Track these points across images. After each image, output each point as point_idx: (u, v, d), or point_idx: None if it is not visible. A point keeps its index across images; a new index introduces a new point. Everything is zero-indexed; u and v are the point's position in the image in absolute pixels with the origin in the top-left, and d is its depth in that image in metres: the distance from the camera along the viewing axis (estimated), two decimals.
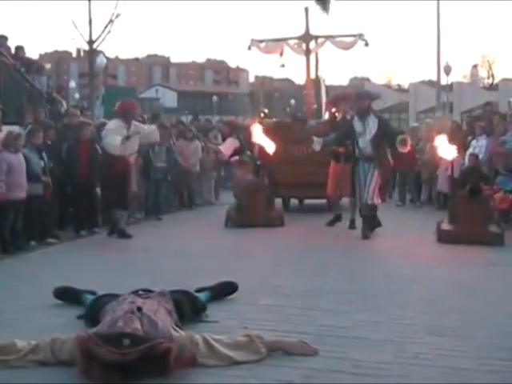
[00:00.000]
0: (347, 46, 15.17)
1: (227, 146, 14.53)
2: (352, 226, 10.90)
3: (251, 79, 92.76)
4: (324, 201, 13.78)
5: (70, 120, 11.88)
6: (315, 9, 15.96)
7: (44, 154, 9.79)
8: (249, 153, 14.40)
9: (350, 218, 11.03)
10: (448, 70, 33.78)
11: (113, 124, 10.50)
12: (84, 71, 61.08)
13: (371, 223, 10.22)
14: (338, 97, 12.79)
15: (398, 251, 8.75)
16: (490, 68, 65.86)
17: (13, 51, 14.03)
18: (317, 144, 10.64)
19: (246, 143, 14.81)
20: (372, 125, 10.16)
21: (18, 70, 13.24)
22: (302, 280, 7.03)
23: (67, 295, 5.93)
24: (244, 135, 14.51)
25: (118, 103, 11.23)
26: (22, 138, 9.20)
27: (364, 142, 10.18)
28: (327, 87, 17.75)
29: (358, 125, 10.26)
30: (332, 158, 11.74)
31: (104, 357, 3.92)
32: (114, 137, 10.05)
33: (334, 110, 13.40)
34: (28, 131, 9.91)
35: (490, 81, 63.40)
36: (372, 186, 10.12)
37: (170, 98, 73.69)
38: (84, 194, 10.63)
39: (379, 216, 10.41)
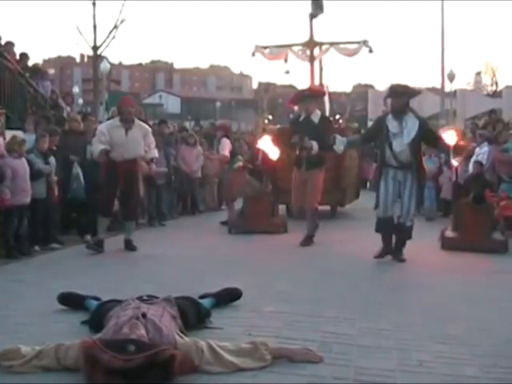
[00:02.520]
0: (351, 53, 15.18)
1: (225, 149, 14.13)
2: (308, 242, 10.01)
3: (254, 85, 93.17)
4: (327, 208, 13.77)
5: (70, 125, 11.82)
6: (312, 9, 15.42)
7: (52, 159, 9.83)
8: (240, 157, 14.24)
9: (307, 233, 10.08)
10: (452, 77, 33.79)
11: (106, 123, 9.89)
12: (87, 77, 61.32)
13: (404, 244, 8.83)
14: (301, 94, 10.70)
15: None
16: (494, 75, 66.00)
17: (17, 57, 14.08)
18: (340, 144, 9.24)
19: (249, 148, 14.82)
20: (411, 125, 8.55)
21: (22, 75, 13.26)
22: (306, 287, 7.03)
23: (71, 301, 5.93)
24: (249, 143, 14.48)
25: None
26: (25, 143, 9.22)
27: (400, 146, 8.57)
28: (330, 94, 17.72)
29: (392, 124, 8.63)
30: (294, 164, 10.42)
31: (108, 363, 3.91)
32: (97, 144, 9.33)
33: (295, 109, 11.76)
34: (36, 137, 9.98)
35: (494, 88, 63.42)
36: (412, 205, 8.66)
37: (173, 104, 73.90)
38: (94, 199, 10.34)
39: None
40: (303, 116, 10.34)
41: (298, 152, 10.08)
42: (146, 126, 9.83)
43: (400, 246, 8.77)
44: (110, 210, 9.73)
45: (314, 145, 9.73)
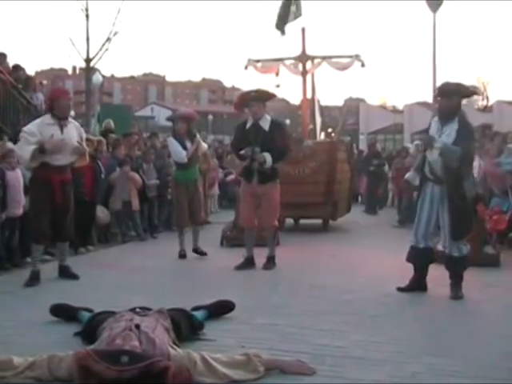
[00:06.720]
0: (343, 67, 15.21)
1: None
2: (271, 264, 9.12)
3: None
4: (319, 221, 13.80)
5: None
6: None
7: None
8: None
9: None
10: None
11: (34, 123, 7.99)
12: (79, 89, 61.42)
13: (461, 278, 7.36)
14: (246, 96, 9.21)
15: (394, 271, 8.72)
16: (485, 90, 66.26)
17: (11, 68, 14.10)
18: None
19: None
20: (449, 132, 7.10)
21: (15, 87, 13.27)
22: (298, 299, 7.03)
23: (64, 312, 5.92)
24: None
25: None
26: (13, 154, 9.08)
27: (433, 155, 7.16)
28: (322, 107, 17.80)
29: (433, 128, 7.32)
30: (243, 177, 9.35)
31: (102, 374, 3.92)
32: (25, 146, 7.59)
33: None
34: None
35: (485, 103, 63.74)
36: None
37: (165, 117, 73.85)
38: (85, 211, 10.26)
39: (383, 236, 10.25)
40: (250, 122, 9.05)
41: (247, 163, 9.00)
42: (78, 124, 8.43)
43: (454, 282, 7.36)
44: (47, 234, 7.93)
45: (268, 157, 8.80)
